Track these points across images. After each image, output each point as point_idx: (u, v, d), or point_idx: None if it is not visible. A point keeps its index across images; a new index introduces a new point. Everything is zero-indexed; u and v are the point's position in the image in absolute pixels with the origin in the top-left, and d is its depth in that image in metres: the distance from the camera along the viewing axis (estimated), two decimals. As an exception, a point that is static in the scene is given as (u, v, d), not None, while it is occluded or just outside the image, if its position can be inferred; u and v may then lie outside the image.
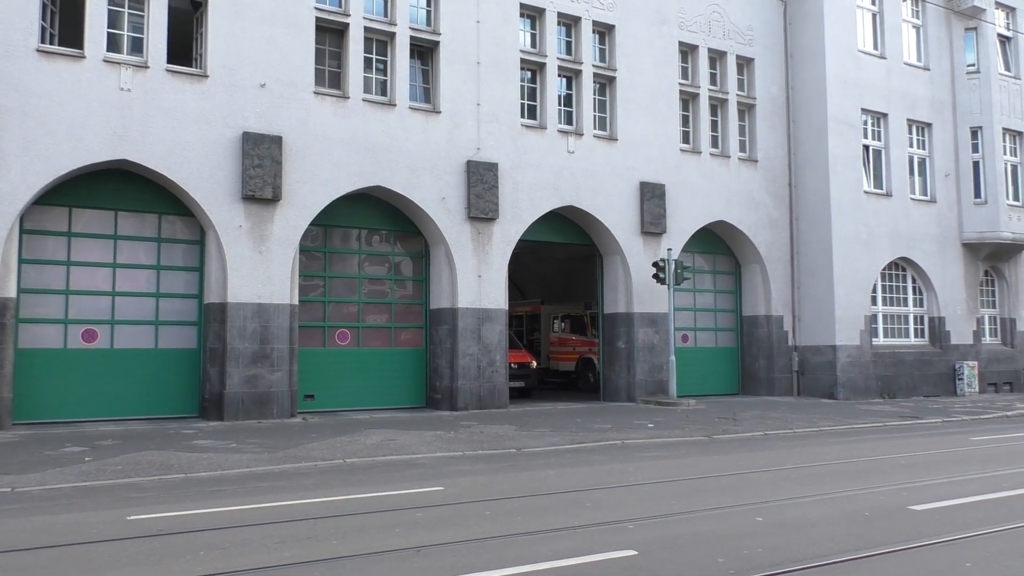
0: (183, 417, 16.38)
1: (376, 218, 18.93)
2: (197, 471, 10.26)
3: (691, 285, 23.20)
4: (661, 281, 20.57)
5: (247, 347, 16.35)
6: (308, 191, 17.18)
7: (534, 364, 22.54)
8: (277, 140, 16.74)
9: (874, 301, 24.16)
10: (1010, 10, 26.68)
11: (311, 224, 17.57)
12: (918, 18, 25.58)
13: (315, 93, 17.49)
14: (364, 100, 17.99)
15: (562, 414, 18.06)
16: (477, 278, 18.74)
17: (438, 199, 18.51)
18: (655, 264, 20.86)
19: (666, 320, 21.07)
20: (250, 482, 9.66)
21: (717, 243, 23.91)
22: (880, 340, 24.16)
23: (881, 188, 24.37)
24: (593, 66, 21.08)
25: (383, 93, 18.52)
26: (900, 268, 25.07)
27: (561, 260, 27.72)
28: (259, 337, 16.46)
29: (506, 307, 19.17)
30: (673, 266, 20.52)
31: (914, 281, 25.27)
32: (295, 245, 17.04)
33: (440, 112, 18.72)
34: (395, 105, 18.27)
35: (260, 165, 16.51)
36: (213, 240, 16.54)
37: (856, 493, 8.98)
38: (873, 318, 23.95)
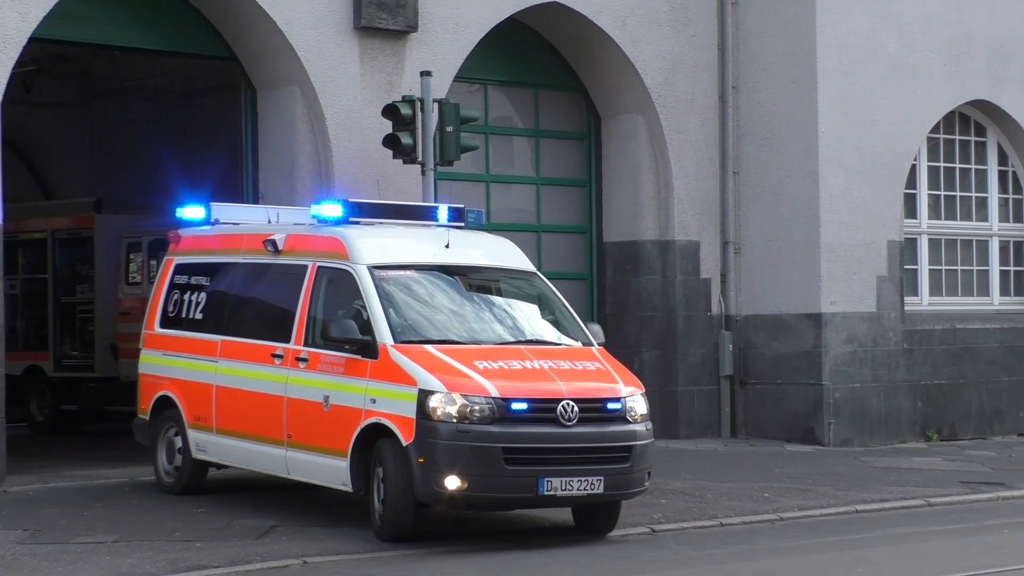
0: None
1: None
2: None
3: (480, 164, 19.96)
4: (409, 157, 17.36)
5: None
6: None
7: (643, 403, 14.69)
8: None
9: (912, 210, 21.13)
10: None
11: None
12: None
13: None
14: None
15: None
16: None
17: None
18: (391, 110, 17.30)
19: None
20: None
21: (543, 62, 20.55)
22: (923, 301, 21.40)
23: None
24: None
25: None
26: (971, 127, 22.33)
27: (155, 106, 24.82)
28: None
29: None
30: (437, 115, 17.37)
31: (1003, 156, 22.59)
32: None
33: None
34: None
35: None
36: None
37: None
38: (909, 247, 21.16)
